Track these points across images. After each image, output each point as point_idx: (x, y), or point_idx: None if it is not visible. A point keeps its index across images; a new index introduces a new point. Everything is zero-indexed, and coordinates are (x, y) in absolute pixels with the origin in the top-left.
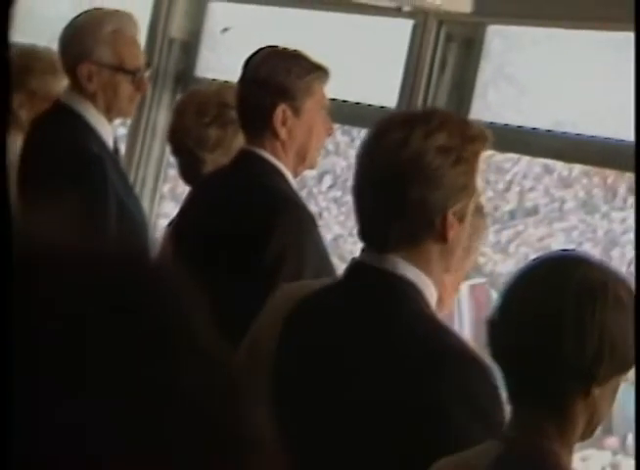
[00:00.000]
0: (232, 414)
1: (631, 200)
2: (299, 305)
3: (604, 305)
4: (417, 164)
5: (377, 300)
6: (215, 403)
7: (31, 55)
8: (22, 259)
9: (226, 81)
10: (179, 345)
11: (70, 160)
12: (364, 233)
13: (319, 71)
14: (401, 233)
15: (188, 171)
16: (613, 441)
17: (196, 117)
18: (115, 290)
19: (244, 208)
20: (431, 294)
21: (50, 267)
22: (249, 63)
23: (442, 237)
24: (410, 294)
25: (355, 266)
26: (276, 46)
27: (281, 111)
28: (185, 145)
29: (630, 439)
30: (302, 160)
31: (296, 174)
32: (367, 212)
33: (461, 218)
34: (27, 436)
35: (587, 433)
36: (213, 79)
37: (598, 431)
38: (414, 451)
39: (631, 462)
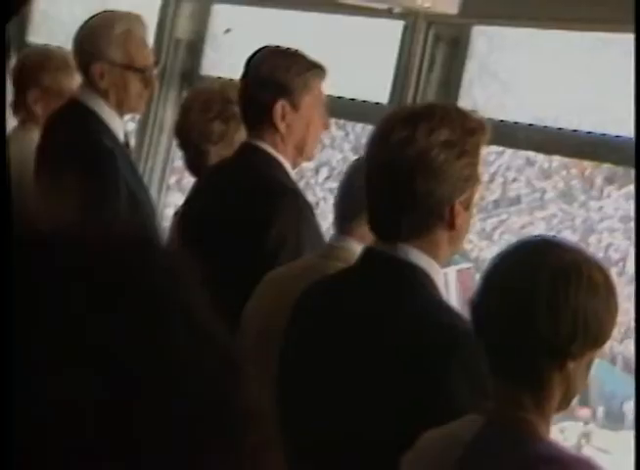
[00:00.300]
0: (228, 392)
1: (607, 190)
2: (312, 290)
3: (577, 285)
4: (423, 160)
5: (390, 285)
6: (211, 381)
7: (45, 54)
8: (22, 245)
9: (230, 79)
10: (175, 321)
11: (85, 152)
12: (376, 225)
13: (316, 69)
14: (412, 224)
15: (193, 163)
16: (585, 411)
17: (201, 113)
18: (115, 270)
19: (245, 197)
20: (439, 279)
21: (50, 252)
22: (250, 61)
23: (451, 225)
24: (421, 280)
25: (369, 254)
26: (276, 46)
27: (280, 106)
28: (191, 138)
29: (601, 411)
30: (300, 152)
31: (294, 166)
32: (378, 206)
33: (466, 207)
34: (21, 412)
35: (563, 404)
36: (218, 77)
37: (574, 401)
38: (415, 423)
39: (602, 432)
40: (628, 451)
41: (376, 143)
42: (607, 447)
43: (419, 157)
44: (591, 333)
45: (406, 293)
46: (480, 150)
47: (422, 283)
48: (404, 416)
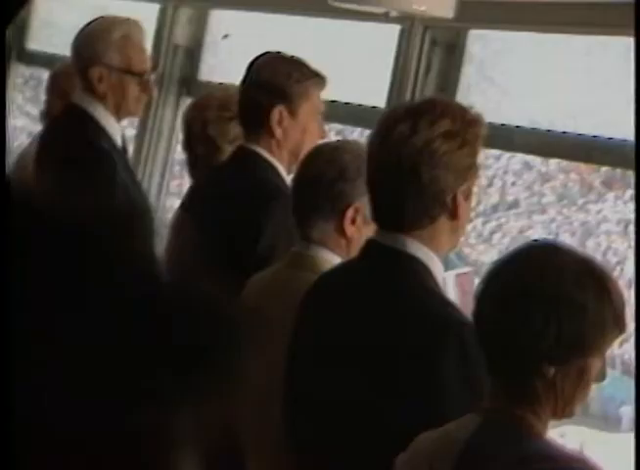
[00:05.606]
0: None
1: (606, 193)
2: (318, 282)
3: (567, 290)
4: (427, 150)
5: (389, 277)
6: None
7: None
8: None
9: (231, 84)
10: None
11: (82, 155)
12: (379, 216)
13: (317, 78)
14: (415, 214)
15: (202, 162)
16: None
17: (219, 111)
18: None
19: (239, 199)
20: (437, 270)
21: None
22: (252, 65)
23: (453, 215)
24: (419, 271)
25: (370, 246)
26: (278, 52)
27: (278, 111)
28: (206, 134)
29: (598, 414)
30: (296, 158)
31: (289, 171)
32: (382, 197)
33: (467, 196)
34: None
35: (559, 412)
36: (220, 83)
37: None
38: (409, 413)
39: (599, 435)
40: (624, 455)
41: (380, 136)
42: (603, 451)
43: (423, 147)
44: (579, 338)
45: (403, 283)
46: (479, 142)
47: (419, 274)
48: (400, 404)
